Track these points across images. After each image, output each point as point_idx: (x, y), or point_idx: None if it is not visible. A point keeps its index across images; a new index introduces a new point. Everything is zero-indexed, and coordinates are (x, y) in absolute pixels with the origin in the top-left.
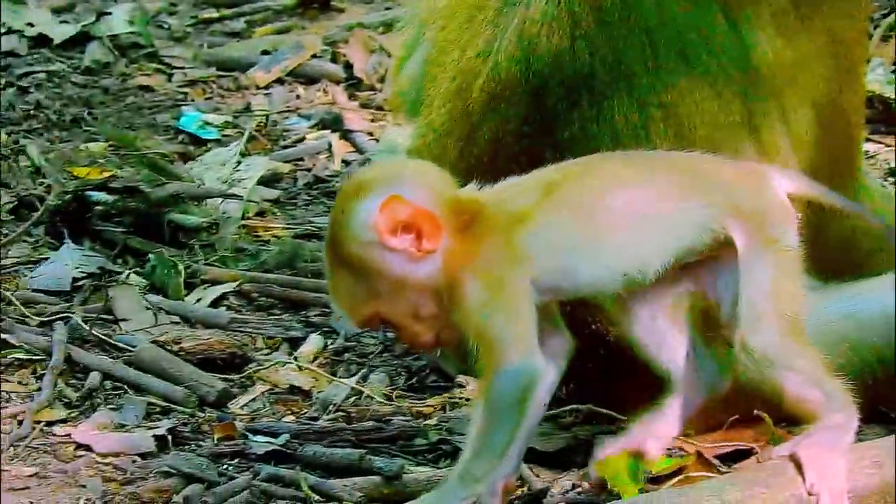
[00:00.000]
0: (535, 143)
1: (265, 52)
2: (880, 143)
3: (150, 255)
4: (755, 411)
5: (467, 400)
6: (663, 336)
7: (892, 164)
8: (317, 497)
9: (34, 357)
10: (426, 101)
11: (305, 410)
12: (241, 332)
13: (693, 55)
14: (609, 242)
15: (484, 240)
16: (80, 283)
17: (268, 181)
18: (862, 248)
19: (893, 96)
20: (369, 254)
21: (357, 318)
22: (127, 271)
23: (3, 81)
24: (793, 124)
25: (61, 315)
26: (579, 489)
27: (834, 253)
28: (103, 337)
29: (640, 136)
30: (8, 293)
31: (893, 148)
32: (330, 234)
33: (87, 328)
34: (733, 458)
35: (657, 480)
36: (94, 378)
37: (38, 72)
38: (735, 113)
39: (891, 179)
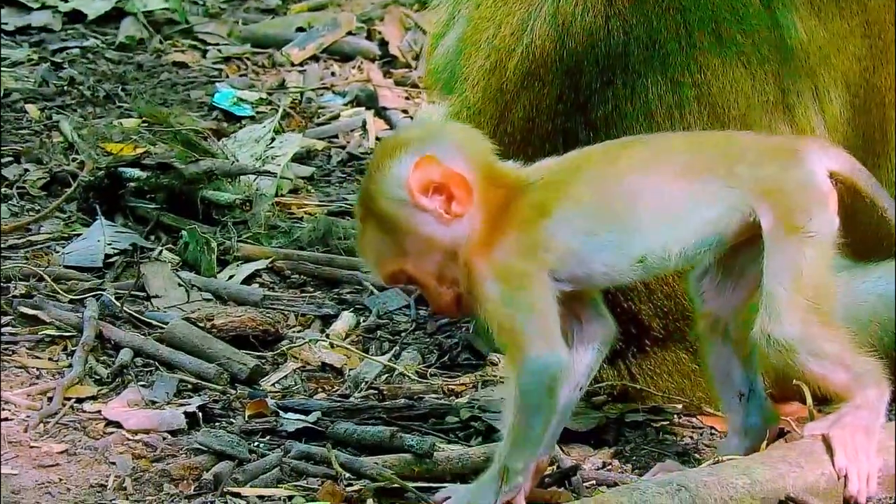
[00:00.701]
0: (569, 121)
1: (300, 29)
2: None
3: (183, 232)
4: (795, 382)
5: (499, 378)
6: (729, 370)
7: None
8: (347, 474)
9: (65, 333)
10: (460, 78)
11: (337, 388)
12: (274, 309)
13: (727, 35)
14: (623, 228)
15: (507, 227)
16: (113, 259)
17: (301, 158)
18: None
19: None
20: (399, 211)
21: (383, 273)
22: (159, 248)
23: (36, 57)
24: (826, 105)
25: (93, 291)
26: (609, 467)
27: (866, 231)
28: (135, 314)
29: (673, 116)
30: (40, 269)
31: None
32: (363, 188)
33: (119, 305)
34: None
35: None
36: (125, 355)
37: (71, 47)
38: (769, 93)
39: None
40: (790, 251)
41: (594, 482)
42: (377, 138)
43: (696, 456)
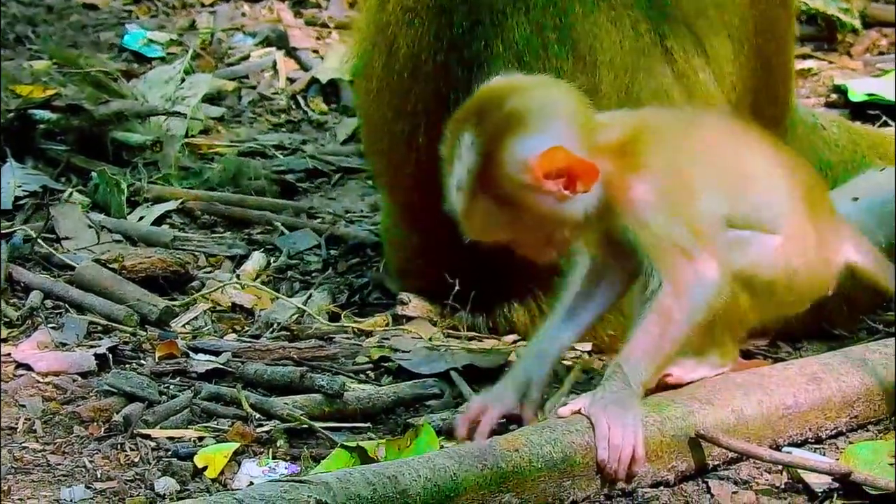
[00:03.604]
0: (447, 59)
1: None
2: (824, 59)
3: (93, 174)
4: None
5: (407, 319)
6: None
7: (835, 81)
8: (258, 415)
9: None
10: (359, 11)
11: (247, 329)
12: (184, 250)
13: None
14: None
15: (645, 152)
16: (23, 201)
17: (212, 99)
18: None
19: (836, 14)
20: (519, 192)
21: (487, 240)
22: (70, 190)
23: None
24: (710, 50)
25: (3, 233)
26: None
27: None
28: (45, 255)
29: (541, 57)
30: None
31: (837, 65)
32: (476, 161)
33: (29, 246)
34: None
35: None
36: (34, 297)
37: None
38: (642, 36)
39: (833, 97)
40: None
41: (505, 420)
42: (288, 78)
43: None
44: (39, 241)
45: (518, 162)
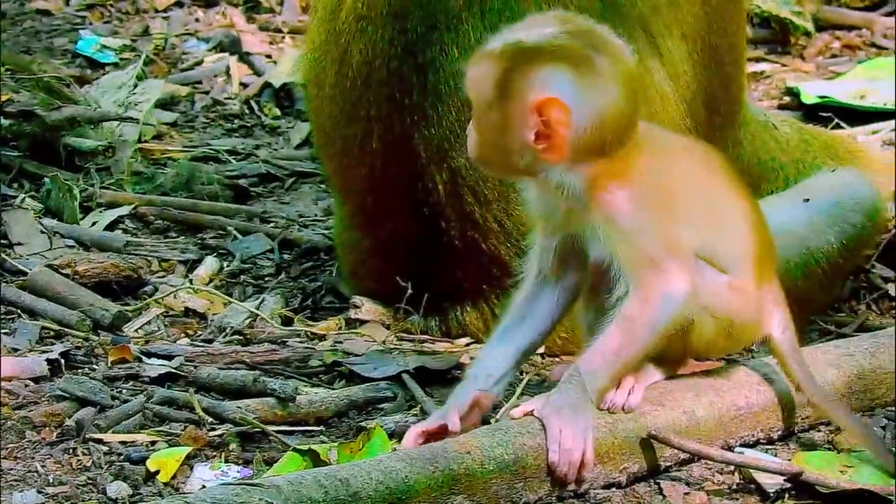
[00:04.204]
0: (402, 65)
1: None
2: (777, 62)
3: (46, 179)
4: None
5: (360, 322)
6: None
7: (788, 84)
8: (210, 419)
9: None
10: (311, 17)
11: (200, 333)
12: (137, 255)
13: None
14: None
15: (633, 163)
16: None
17: (165, 104)
18: (753, 174)
19: (789, 17)
20: (509, 97)
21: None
22: (22, 195)
23: None
24: (664, 50)
25: None
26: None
27: None
28: None
29: None
30: None
31: (790, 68)
32: (511, 49)
33: None
34: None
35: None
36: None
37: None
38: None
39: (786, 99)
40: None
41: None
42: (241, 83)
43: None
44: None
45: (540, 80)
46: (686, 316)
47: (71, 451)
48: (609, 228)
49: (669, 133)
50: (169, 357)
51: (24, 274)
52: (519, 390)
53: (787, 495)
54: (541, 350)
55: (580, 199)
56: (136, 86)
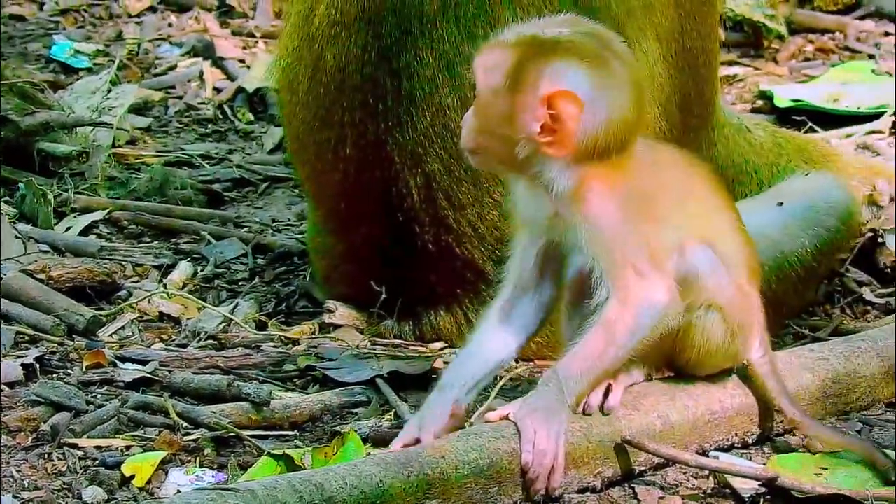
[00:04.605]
0: (376, 70)
1: None
2: (750, 66)
3: (20, 184)
4: None
5: (334, 327)
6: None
7: (762, 87)
8: (185, 424)
9: None
10: (283, 22)
11: (174, 337)
12: (111, 259)
13: None
14: None
15: (625, 168)
16: None
17: (139, 109)
18: (727, 178)
19: (762, 21)
20: (516, 87)
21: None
22: None
23: None
24: (640, 58)
25: None
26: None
27: None
28: None
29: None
30: None
31: (763, 71)
32: (526, 38)
33: None
34: None
35: None
36: None
37: None
38: None
39: (759, 103)
40: None
41: None
42: (214, 88)
43: None
44: None
45: (552, 73)
46: (668, 326)
47: (46, 455)
48: (593, 232)
49: (657, 142)
50: (143, 362)
51: None
52: (493, 394)
53: (762, 499)
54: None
55: (567, 200)
56: (109, 91)
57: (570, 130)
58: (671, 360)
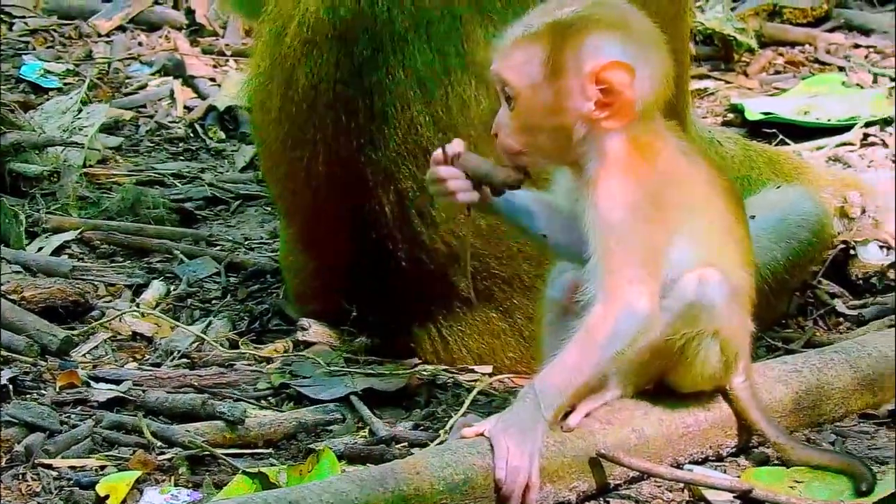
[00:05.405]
0: (348, 88)
1: (106, 0)
2: (720, 79)
3: None
4: None
5: (307, 344)
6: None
7: (732, 101)
8: (159, 443)
9: None
10: (255, 38)
11: (148, 357)
12: (83, 279)
13: (488, 4)
14: None
15: (646, 163)
16: None
17: (109, 129)
18: None
19: (732, 34)
20: (561, 72)
21: (497, 79)
22: None
23: None
24: None
25: None
26: (422, 428)
27: None
28: None
29: (444, 83)
30: None
31: (734, 85)
32: (562, 23)
33: None
34: None
35: None
36: None
37: None
38: None
39: (730, 116)
40: None
41: (406, 444)
42: (185, 107)
43: None
44: None
45: (590, 49)
46: (648, 338)
47: (20, 476)
48: (593, 215)
49: (690, 149)
50: (117, 381)
51: None
52: (464, 408)
53: None
54: (488, 368)
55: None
56: (80, 110)
57: (627, 98)
58: (658, 378)
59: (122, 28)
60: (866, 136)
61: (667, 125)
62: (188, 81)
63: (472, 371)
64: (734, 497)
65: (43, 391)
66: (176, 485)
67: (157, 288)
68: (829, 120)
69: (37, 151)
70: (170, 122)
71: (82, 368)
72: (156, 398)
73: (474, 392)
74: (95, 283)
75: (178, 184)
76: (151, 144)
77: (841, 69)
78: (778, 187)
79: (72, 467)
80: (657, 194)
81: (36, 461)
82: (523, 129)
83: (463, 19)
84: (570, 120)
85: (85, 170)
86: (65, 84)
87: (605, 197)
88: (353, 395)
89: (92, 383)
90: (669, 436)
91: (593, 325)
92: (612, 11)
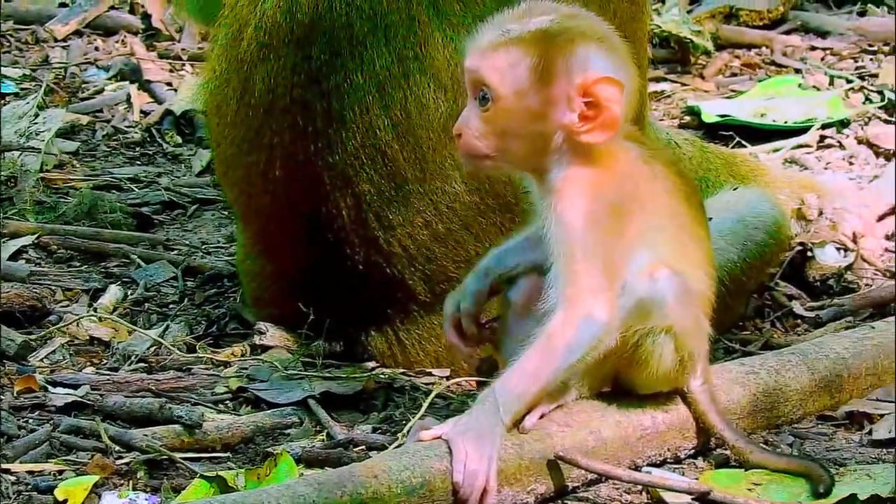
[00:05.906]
0: (306, 93)
1: (62, 5)
2: (677, 82)
3: None
4: None
5: (265, 348)
6: None
7: (689, 103)
8: (117, 447)
9: None
10: (212, 41)
11: (105, 361)
12: (41, 284)
13: (447, 8)
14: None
15: (618, 172)
16: None
17: (66, 133)
18: None
19: (689, 37)
20: (549, 81)
21: (470, 76)
22: None
23: None
24: None
25: None
26: (379, 431)
27: None
28: None
29: (402, 87)
30: None
31: (690, 87)
32: (550, 32)
33: None
34: None
35: None
36: None
37: None
38: None
39: (687, 118)
40: None
41: (364, 447)
42: (142, 111)
43: None
44: None
45: (580, 62)
46: (606, 345)
47: None
48: (554, 219)
49: (654, 152)
50: (75, 386)
51: None
52: (422, 410)
53: None
54: (446, 372)
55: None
56: (37, 115)
57: (613, 114)
58: (615, 379)
59: (78, 33)
60: (823, 138)
61: (628, 133)
62: (145, 86)
63: (430, 374)
64: (692, 499)
65: (0, 396)
66: (134, 489)
67: (114, 292)
68: (785, 122)
69: None
70: (126, 126)
71: (40, 373)
72: (113, 402)
73: (432, 395)
74: (52, 287)
75: (134, 188)
76: (108, 149)
77: (797, 71)
78: (735, 189)
79: (30, 472)
80: (618, 203)
81: None
82: (497, 132)
83: (421, 23)
84: (551, 129)
85: (42, 174)
86: (21, 89)
87: (568, 206)
88: (311, 398)
89: (49, 388)
90: (627, 438)
91: (554, 332)
92: (592, 25)
